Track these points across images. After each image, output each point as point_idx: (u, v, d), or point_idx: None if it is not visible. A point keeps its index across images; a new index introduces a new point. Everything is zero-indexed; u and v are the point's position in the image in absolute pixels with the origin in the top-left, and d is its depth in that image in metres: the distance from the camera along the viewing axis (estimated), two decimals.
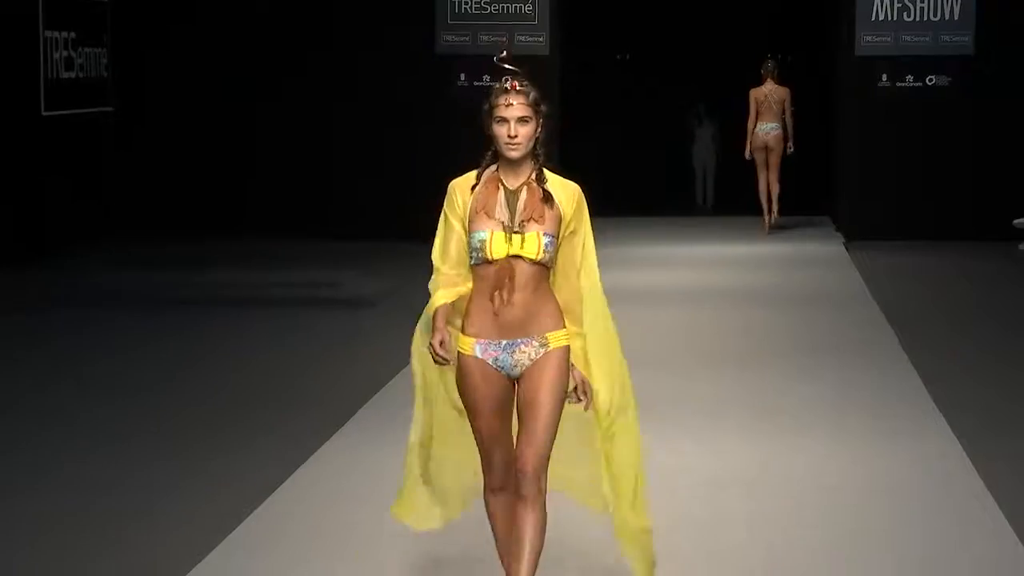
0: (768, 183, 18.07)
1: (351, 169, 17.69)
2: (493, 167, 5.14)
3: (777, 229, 18.14)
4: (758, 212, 18.43)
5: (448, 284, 5.15)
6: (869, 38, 17.69)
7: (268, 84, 17.79)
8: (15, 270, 14.54)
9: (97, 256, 16.07)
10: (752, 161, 18.17)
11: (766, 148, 17.98)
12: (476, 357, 5.10)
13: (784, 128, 17.93)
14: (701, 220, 20.53)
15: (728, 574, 6.12)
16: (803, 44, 21.46)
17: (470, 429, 5.21)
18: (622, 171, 21.85)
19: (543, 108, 5.13)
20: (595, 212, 19.47)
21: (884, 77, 17.67)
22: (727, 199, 21.29)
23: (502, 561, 5.27)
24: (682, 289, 14.29)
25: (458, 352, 5.11)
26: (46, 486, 7.53)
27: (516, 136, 5.05)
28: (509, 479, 5.14)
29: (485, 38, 17.93)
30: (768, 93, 18.06)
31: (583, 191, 5.31)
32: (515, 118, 5.07)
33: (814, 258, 16.36)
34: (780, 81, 18.20)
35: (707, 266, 15.80)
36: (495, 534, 5.29)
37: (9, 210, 15.00)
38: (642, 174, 22.07)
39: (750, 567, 6.24)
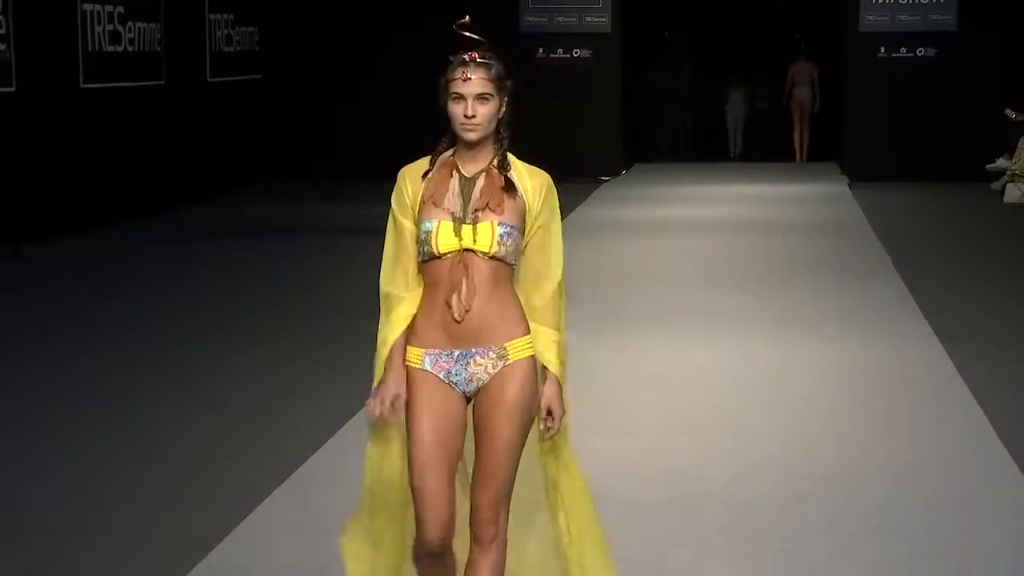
0: (800, 132, 19.88)
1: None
2: (449, 152, 3.60)
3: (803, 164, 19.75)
4: (790, 151, 20.02)
5: (401, 308, 3.57)
6: (870, 17, 17.59)
7: (381, 57, 17.77)
8: (187, 206, 14.67)
9: (245, 193, 16.18)
10: (789, 114, 19.88)
11: (801, 106, 19.67)
12: (425, 370, 3.51)
13: (813, 93, 19.57)
14: (731, 166, 20.42)
15: (752, 450, 6.08)
16: (817, 22, 21.40)
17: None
18: (667, 127, 21.86)
19: (508, 84, 3.58)
20: (647, 160, 19.38)
21: (882, 49, 17.59)
22: (753, 150, 21.31)
23: None
24: (715, 221, 14.22)
25: (409, 366, 3.53)
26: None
27: (474, 116, 3.51)
28: (446, 542, 3.51)
29: (560, 19, 17.93)
30: (800, 67, 19.78)
31: (553, 181, 3.65)
32: (473, 95, 3.51)
33: (824, 196, 16.28)
34: (807, 58, 19.84)
35: (735, 203, 15.71)
36: None
37: (180, 158, 15.07)
38: (684, 129, 22.09)
39: (770, 444, 6.20)
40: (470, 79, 3.51)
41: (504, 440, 3.48)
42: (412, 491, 3.49)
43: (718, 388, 7.14)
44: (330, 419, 6.49)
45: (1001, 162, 15.99)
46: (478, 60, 3.53)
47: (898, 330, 8.60)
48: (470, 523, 3.51)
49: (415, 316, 3.54)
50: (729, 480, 5.65)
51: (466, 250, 3.46)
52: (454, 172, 3.55)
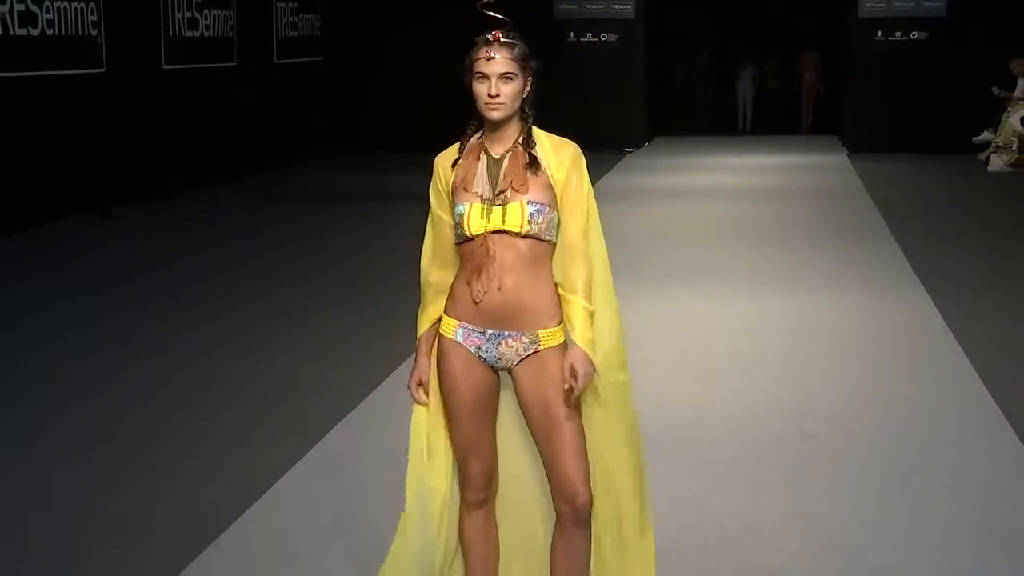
0: (806, 110, 20.49)
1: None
2: (478, 135, 3.26)
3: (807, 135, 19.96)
4: (797, 124, 20.64)
5: (437, 301, 3.24)
6: (869, 4, 17.34)
7: (430, 41, 17.70)
8: (256, 173, 14.70)
9: (313, 162, 16.20)
10: (799, 95, 20.74)
11: (808, 89, 20.40)
12: (457, 342, 3.18)
13: (817, 78, 20.32)
14: (742, 139, 20.28)
15: (760, 393, 6.06)
16: (821, 8, 21.24)
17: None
18: (688, 102, 21.79)
19: (532, 64, 3.24)
20: (671, 133, 19.22)
21: (879, 33, 17.38)
22: (760, 124, 21.20)
23: None
24: (727, 188, 14.13)
25: (442, 336, 3.21)
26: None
27: (497, 95, 3.15)
28: (491, 492, 3.28)
29: (589, 7, 17.82)
30: (807, 56, 20.48)
31: (580, 149, 3.28)
32: (497, 74, 3.15)
33: (826, 165, 16.16)
34: (812, 48, 20.59)
35: (746, 172, 15.61)
36: (469, 563, 3.32)
37: (250, 131, 15.09)
38: (699, 106, 22.02)
39: (776, 388, 6.18)
40: (494, 59, 3.17)
41: (567, 421, 3.12)
42: (456, 452, 3.23)
43: (730, 337, 7.12)
44: (383, 362, 6.51)
45: (986, 135, 15.86)
46: (501, 40, 3.20)
47: (891, 285, 8.54)
48: (559, 504, 3.16)
49: (452, 287, 3.21)
50: (739, 420, 5.64)
51: (499, 232, 3.11)
52: (482, 155, 3.21)
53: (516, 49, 3.20)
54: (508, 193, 3.14)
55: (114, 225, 11.36)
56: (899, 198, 12.96)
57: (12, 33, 10.59)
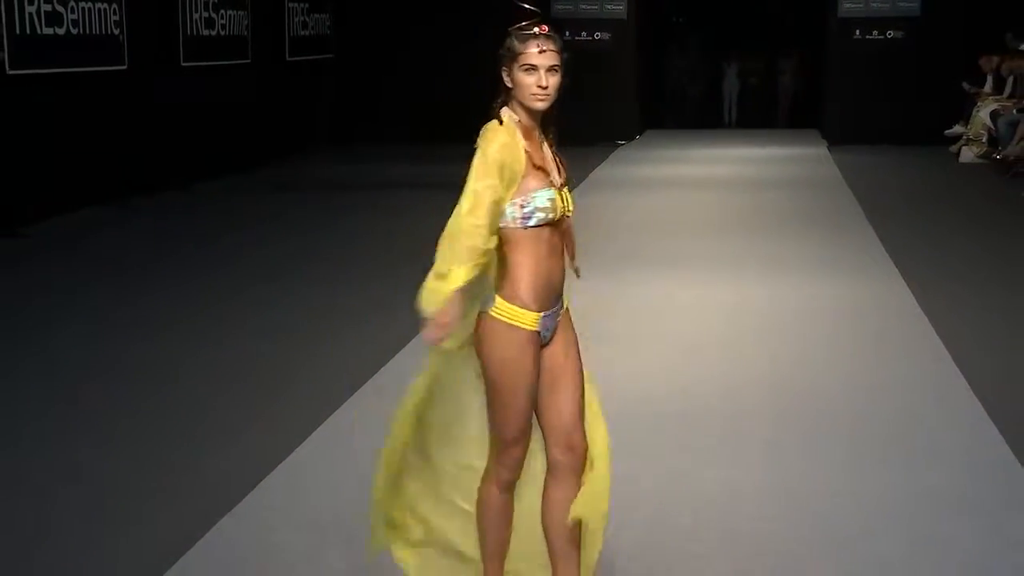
0: (784, 105, 21.38)
1: (493, 95, 17.55)
2: (517, 119, 3.16)
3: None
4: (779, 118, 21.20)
5: (476, 258, 3.06)
6: (848, 5, 17.29)
7: (435, 40, 17.69)
8: (269, 165, 14.68)
9: (323, 154, 16.18)
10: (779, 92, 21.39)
11: (783, 89, 21.19)
12: (536, 332, 3.12)
13: (796, 76, 21.07)
14: (727, 132, 20.26)
15: (743, 371, 6.07)
16: (802, 8, 21.19)
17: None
18: (678, 97, 21.75)
19: (565, 56, 3.16)
20: (661, 126, 19.14)
21: (858, 32, 17.33)
22: (745, 118, 21.19)
23: (490, 564, 3.30)
24: (714, 178, 14.12)
25: (514, 327, 3.09)
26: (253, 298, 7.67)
27: (546, 86, 3.10)
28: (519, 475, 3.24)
29: (584, 7, 17.78)
30: (785, 60, 21.14)
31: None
32: (546, 66, 3.10)
33: (806, 157, 16.14)
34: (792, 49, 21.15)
35: (731, 163, 15.60)
36: (493, 538, 3.26)
37: (265, 125, 15.07)
38: (685, 100, 21.98)
39: (758, 366, 6.19)
40: (544, 51, 3.11)
41: (580, 367, 3.23)
42: (508, 431, 3.14)
43: (715, 319, 7.12)
44: (393, 339, 6.52)
45: (957, 128, 15.85)
46: (547, 33, 3.14)
47: (868, 269, 8.54)
48: (557, 453, 3.15)
49: (521, 281, 3.09)
50: (723, 396, 5.65)
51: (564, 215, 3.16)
52: (541, 141, 3.18)
53: (558, 42, 3.16)
54: (562, 178, 3.19)
55: (132, 214, 11.36)
56: (876, 188, 12.95)
57: (39, 32, 10.57)
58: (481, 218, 3.06)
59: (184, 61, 13.26)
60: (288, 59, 16.22)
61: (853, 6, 17.30)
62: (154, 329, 7.02)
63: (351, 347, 6.54)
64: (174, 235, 10.42)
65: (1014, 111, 14.22)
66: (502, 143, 3.11)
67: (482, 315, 3.14)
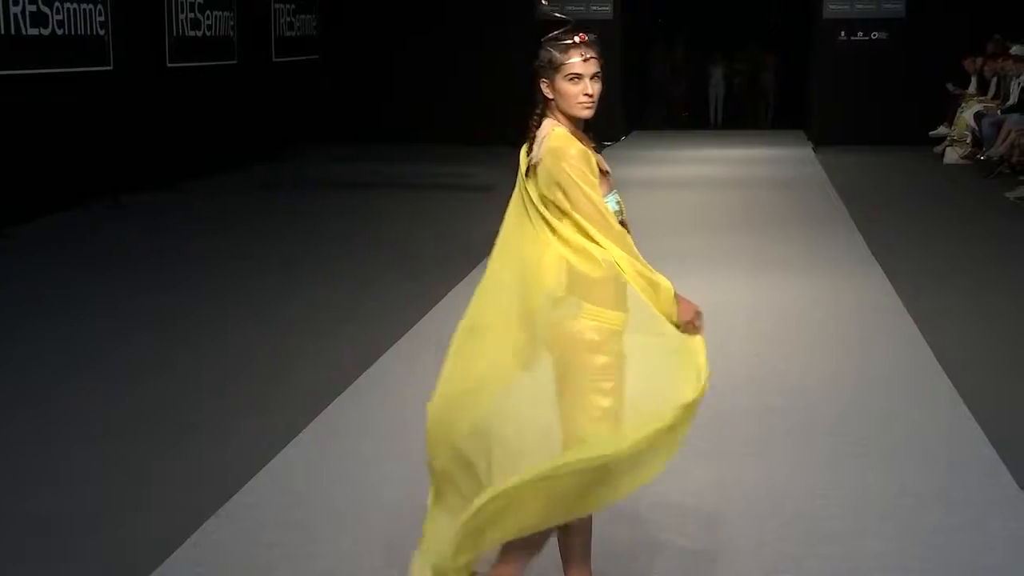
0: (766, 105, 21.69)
1: (478, 96, 17.60)
2: (562, 126, 3.15)
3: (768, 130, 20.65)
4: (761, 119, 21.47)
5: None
6: (833, 6, 17.38)
7: (422, 41, 17.73)
8: (254, 164, 14.68)
9: (308, 154, 16.17)
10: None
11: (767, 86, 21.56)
12: (620, 332, 3.15)
13: (776, 77, 21.41)
14: (713, 133, 20.33)
15: (729, 369, 6.10)
16: (788, 10, 21.28)
17: None
18: (662, 98, 21.80)
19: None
20: (646, 127, 19.19)
21: (843, 33, 17.41)
22: (731, 119, 21.25)
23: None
24: (700, 178, 14.18)
25: (604, 328, 3.12)
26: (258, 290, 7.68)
27: (592, 94, 3.14)
28: None
29: (570, 8, 17.78)
30: (769, 57, 21.31)
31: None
32: (590, 74, 3.13)
33: (792, 157, 16.21)
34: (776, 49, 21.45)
35: (717, 163, 15.66)
36: (585, 539, 3.32)
37: (250, 125, 15.07)
38: (671, 101, 22.04)
39: (744, 364, 6.22)
40: (588, 59, 3.13)
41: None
42: (613, 417, 3.10)
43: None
44: (381, 338, 6.55)
45: (942, 129, 15.94)
46: (587, 40, 3.15)
47: (852, 269, 8.60)
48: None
49: (611, 285, 3.12)
50: (709, 394, 5.63)
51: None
52: (594, 149, 3.17)
53: (598, 48, 3.17)
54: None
55: (124, 213, 11.36)
56: (860, 188, 13.02)
57: (24, 33, 10.56)
58: (613, 223, 3.11)
59: (170, 62, 13.25)
60: (274, 60, 16.22)
61: (838, 7, 17.37)
62: (143, 327, 7.03)
63: (340, 346, 6.56)
64: (162, 234, 10.42)
65: (998, 112, 14.31)
66: (580, 148, 3.12)
67: (569, 322, 3.10)
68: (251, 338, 6.78)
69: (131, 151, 12.19)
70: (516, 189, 3.25)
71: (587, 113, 3.16)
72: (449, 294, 7.70)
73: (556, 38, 3.17)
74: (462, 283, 8.07)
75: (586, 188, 3.09)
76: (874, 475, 4.63)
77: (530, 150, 3.18)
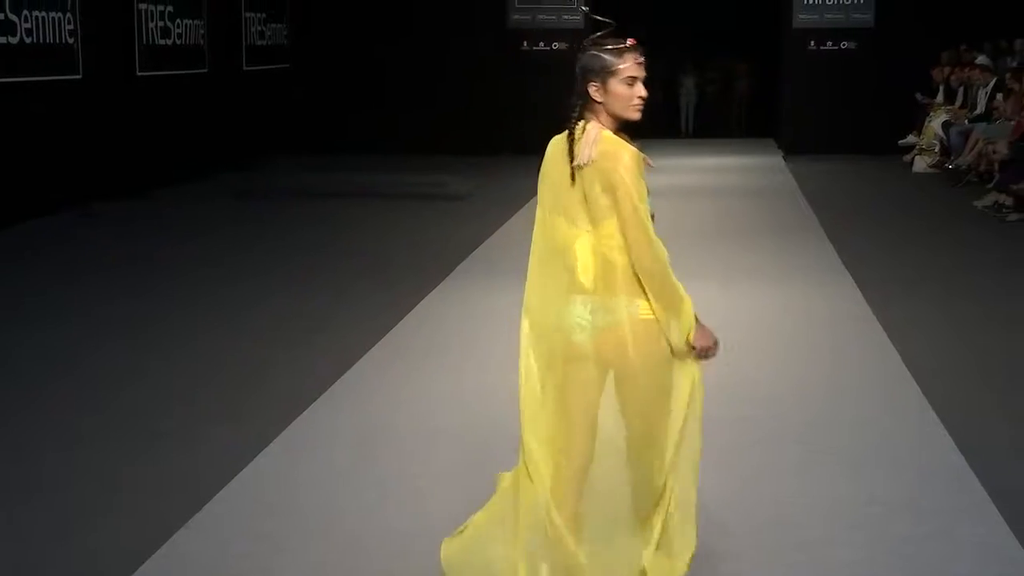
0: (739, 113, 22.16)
1: (452, 105, 17.62)
2: (607, 129, 3.19)
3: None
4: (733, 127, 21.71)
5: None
6: (803, 16, 17.52)
7: (393, 50, 17.73)
8: (225, 173, 14.62)
9: (278, 163, 16.13)
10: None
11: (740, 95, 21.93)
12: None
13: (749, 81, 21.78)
14: (684, 142, 20.41)
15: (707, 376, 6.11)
16: (757, 19, 21.40)
17: None
18: None
19: None
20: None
21: (812, 43, 17.55)
22: (702, 128, 21.33)
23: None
24: (670, 187, 14.20)
25: (654, 322, 3.31)
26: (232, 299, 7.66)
27: (644, 96, 3.22)
28: None
29: (541, 17, 17.88)
30: (740, 65, 21.69)
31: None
32: (642, 77, 3.22)
33: (763, 166, 16.30)
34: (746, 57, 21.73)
35: (688, 172, 15.71)
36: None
37: (220, 134, 15.03)
38: (647, 110, 22.08)
39: (715, 373, 6.22)
40: (640, 62, 3.20)
41: None
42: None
43: None
44: (352, 348, 6.54)
45: (911, 138, 16.06)
46: (637, 44, 3.22)
47: (823, 277, 8.65)
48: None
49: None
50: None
51: None
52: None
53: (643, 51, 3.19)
54: None
55: (96, 221, 11.30)
56: (830, 197, 13.10)
57: None
58: (654, 233, 3.21)
59: (140, 71, 13.20)
60: (245, 69, 16.18)
61: (807, 17, 17.50)
62: (114, 334, 7.00)
63: (312, 355, 6.54)
64: (133, 242, 10.37)
65: (965, 121, 14.45)
66: (633, 152, 3.17)
67: (630, 321, 3.18)
68: (223, 346, 6.76)
69: (101, 160, 12.14)
70: (548, 186, 3.25)
71: (638, 115, 3.22)
72: (421, 303, 7.70)
73: (605, 42, 3.21)
74: (434, 291, 8.08)
75: (636, 198, 3.15)
76: (843, 483, 4.65)
77: (571, 151, 3.17)
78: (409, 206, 12.45)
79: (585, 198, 3.15)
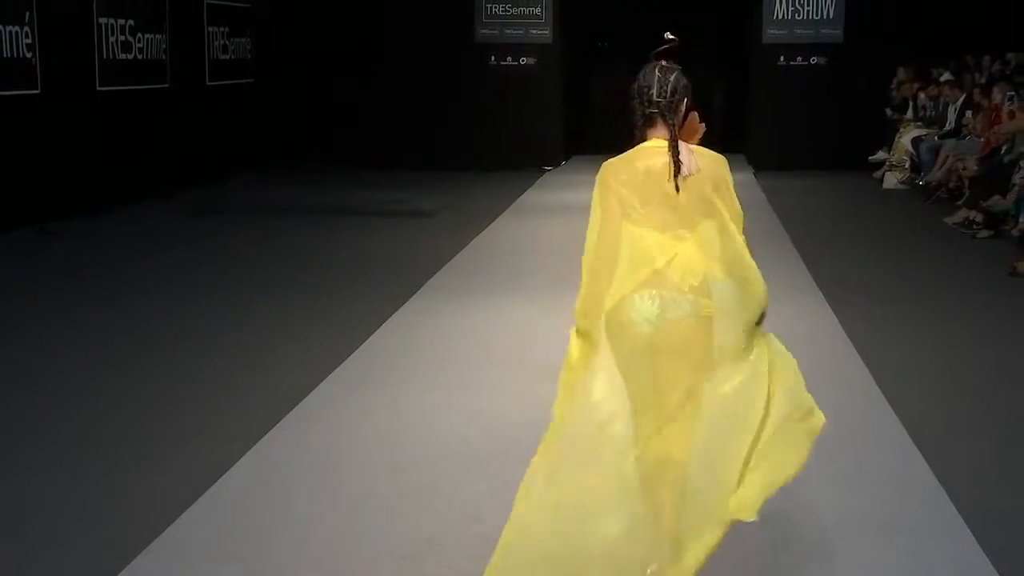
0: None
1: (418, 121, 17.63)
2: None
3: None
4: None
5: None
6: (772, 31, 17.62)
7: (359, 65, 17.73)
8: (188, 190, 14.57)
9: (242, 180, 16.08)
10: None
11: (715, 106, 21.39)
12: None
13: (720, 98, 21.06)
14: None
15: None
16: (727, 35, 21.54)
17: None
18: (603, 123, 21.93)
19: None
20: (586, 152, 19.17)
21: (782, 58, 17.63)
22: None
23: None
24: None
25: None
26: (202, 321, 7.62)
27: None
28: None
29: (509, 32, 17.90)
30: (713, 80, 20.47)
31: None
32: None
33: (733, 182, 16.32)
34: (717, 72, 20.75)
35: None
36: None
37: (182, 150, 14.97)
38: (616, 125, 22.17)
39: None
40: None
41: None
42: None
43: None
44: (318, 366, 6.51)
45: (881, 154, 16.20)
46: None
47: (794, 293, 8.68)
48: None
49: None
50: None
51: None
52: None
53: None
54: None
55: (52, 239, 11.21)
56: (801, 213, 13.19)
57: None
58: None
59: (100, 86, 13.13)
60: (208, 84, 16.14)
61: (777, 32, 17.61)
62: (71, 354, 6.94)
63: (276, 374, 6.52)
64: (91, 259, 10.29)
65: (935, 138, 14.60)
66: (724, 159, 3.54)
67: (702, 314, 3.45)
68: (184, 365, 6.72)
69: (60, 176, 12.05)
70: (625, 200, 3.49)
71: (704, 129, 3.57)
72: (388, 321, 7.69)
73: (670, 58, 3.54)
74: (401, 310, 8.06)
75: (735, 193, 3.52)
76: (815, 501, 4.67)
77: (677, 166, 3.44)
78: (376, 223, 12.43)
79: (690, 204, 3.43)
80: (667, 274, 3.38)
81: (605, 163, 3.59)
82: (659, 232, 3.41)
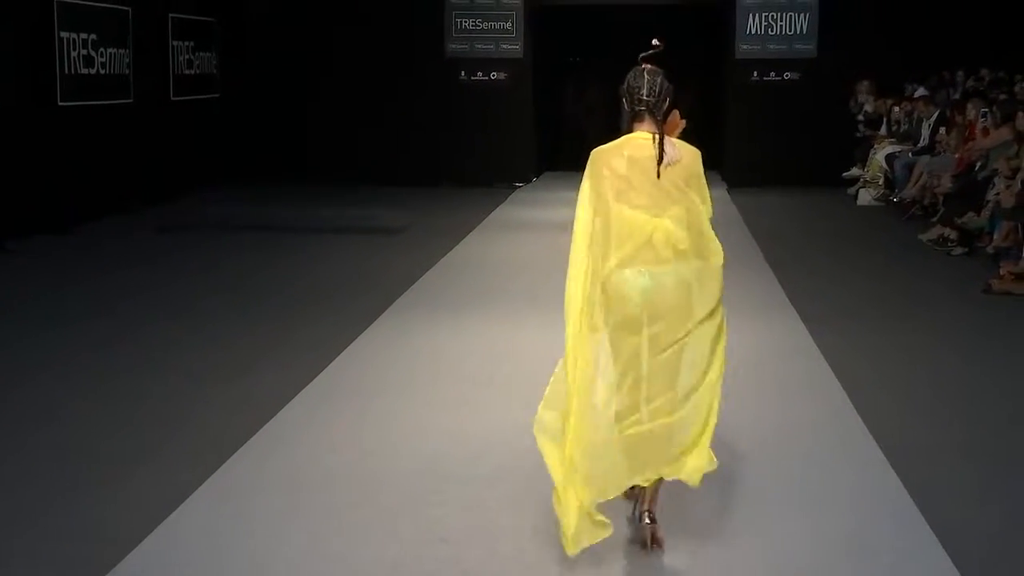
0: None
1: (388, 136, 17.62)
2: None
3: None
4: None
5: None
6: (745, 47, 17.72)
7: (327, 80, 17.72)
8: (152, 206, 14.49)
9: (207, 196, 16.01)
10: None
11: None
12: None
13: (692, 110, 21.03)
14: None
15: None
16: (700, 50, 21.62)
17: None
18: (575, 138, 21.95)
19: None
20: (558, 168, 19.19)
21: (755, 74, 17.74)
22: None
23: None
24: None
25: None
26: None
27: None
28: None
29: (479, 46, 17.93)
30: (686, 96, 20.27)
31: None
32: None
33: None
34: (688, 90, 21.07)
35: None
36: None
37: (146, 166, 14.89)
38: (589, 141, 22.15)
39: None
40: None
41: None
42: None
43: None
44: (285, 386, 6.47)
45: (855, 170, 16.30)
46: None
47: (767, 312, 8.71)
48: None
49: None
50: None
51: None
52: None
53: None
54: None
55: (10, 257, 11.11)
56: (775, 230, 13.25)
57: None
58: None
59: (62, 101, 13.05)
60: (172, 99, 16.07)
61: (750, 48, 17.70)
62: (29, 374, 6.86)
63: (240, 394, 6.47)
64: (51, 277, 10.21)
65: (909, 154, 14.70)
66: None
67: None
68: (145, 386, 6.66)
69: (19, 193, 11.95)
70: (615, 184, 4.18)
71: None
72: (356, 340, 7.65)
73: (654, 62, 4.22)
74: (370, 328, 8.03)
75: (705, 183, 4.27)
76: (789, 520, 4.68)
77: (661, 155, 4.14)
78: (344, 239, 12.39)
79: (670, 187, 4.11)
80: (651, 247, 4.05)
81: (595, 150, 4.22)
82: (643, 211, 4.06)
